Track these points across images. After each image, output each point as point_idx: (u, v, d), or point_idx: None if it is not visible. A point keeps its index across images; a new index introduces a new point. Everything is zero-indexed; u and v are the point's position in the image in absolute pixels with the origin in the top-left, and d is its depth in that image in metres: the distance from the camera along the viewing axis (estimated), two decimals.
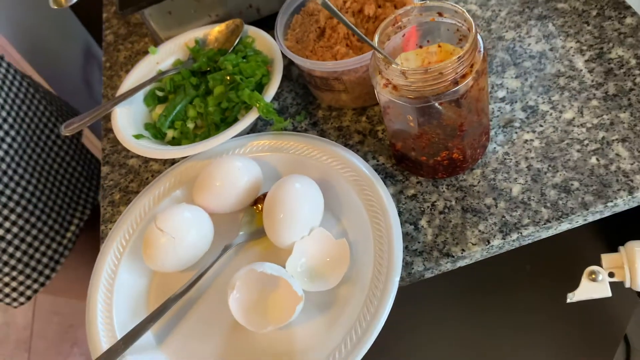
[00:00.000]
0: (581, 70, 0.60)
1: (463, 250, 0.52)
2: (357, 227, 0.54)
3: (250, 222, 0.59)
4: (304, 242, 0.53)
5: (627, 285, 0.50)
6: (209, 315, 0.55)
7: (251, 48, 0.68)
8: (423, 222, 0.55)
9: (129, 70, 0.81)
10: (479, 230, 0.53)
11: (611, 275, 0.51)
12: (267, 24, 0.74)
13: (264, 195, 0.60)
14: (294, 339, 0.51)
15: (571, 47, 0.62)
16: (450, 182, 0.57)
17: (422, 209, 0.56)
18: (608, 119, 0.56)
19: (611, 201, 0.51)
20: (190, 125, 0.66)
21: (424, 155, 0.54)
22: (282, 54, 0.64)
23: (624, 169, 0.53)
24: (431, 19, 0.52)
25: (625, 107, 0.56)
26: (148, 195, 0.62)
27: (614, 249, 0.53)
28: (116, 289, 0.56)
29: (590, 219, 0.52)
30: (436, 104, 0.48)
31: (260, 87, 0.64)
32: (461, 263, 0.53)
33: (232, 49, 0.68)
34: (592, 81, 0.59)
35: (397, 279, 0.49)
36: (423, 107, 0.48)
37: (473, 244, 0.52)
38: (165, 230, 0.55)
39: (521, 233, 0.52)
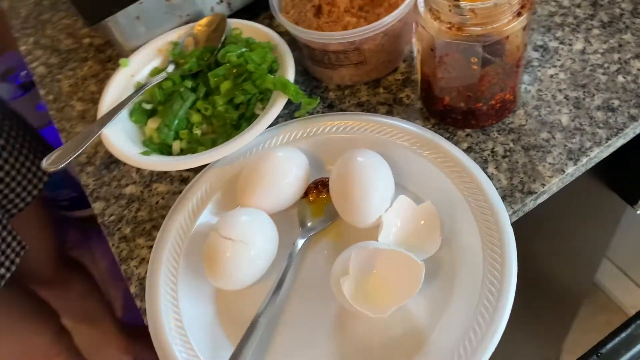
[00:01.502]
0: (569, 7, 0.64)
1: (543, 184, 0.52)
2: (434, 189, 0.52)
3: (308, 215, 0.53)
4: (389, 213, 0.49)
5: None
6: (306, 318, 0.48)
7: (241, 38, 0.62)
8: (491, 170, 0.54)
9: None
10: (549, 163, 0.53)
11: None
12: (240, 17, 0.70)
13: (315, 183, 0.55)
14: (413, 317, 0.47)
15: None
16: (499, 127, 0.56)
17: (484, 157, 0.55)
18: (615, 42, 0.60)
19: None
20: (197, 131, 0.59)
21: (480, 101, 0.53)
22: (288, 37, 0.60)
23: None
24: None
25: (624, 30, 0.61)
26: (180, 214, 0.53)
27: None
28: (187, 326, 0.47)
29: (639, 129, 0.55)
30: (504, 39, 0.48)
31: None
32: (542, 199, 0.53)
33: (220, 44, 0.62)
34: (584, 14, 0.63)
35: (508, 223, 0.47)
36: (490, 44, 0.48)
37: (549, 177, 0.52)
38: (234, 238, 0.47)
39: (589, 156, 0.53)
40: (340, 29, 0.59)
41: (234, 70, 0.58)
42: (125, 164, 0.62)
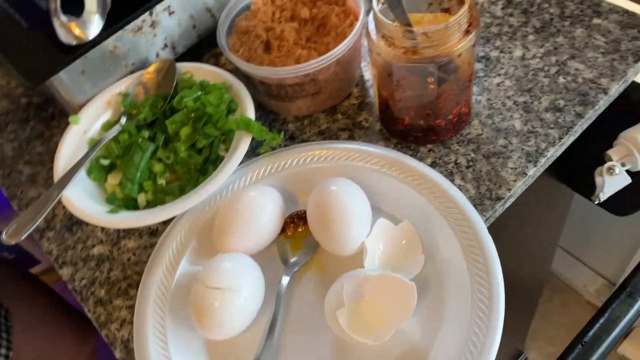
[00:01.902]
0: (503, 16, 0.68)
1: (508, 189, 0.54)
2: (408, 208, 0.53)
3: (289, 251, 0.53)
4: (371, 238, 0.50)
5: (639, 167, 0.57)
6: (303, 353, 0.48)
7: (193, 82, 0.62)
8: (458, 181, 0.56)
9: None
10: (511, 168, 0.55)
11: (623, 165, 0.57)
12: (185, 59, 0.69)
13: (291, 218, 0.55)
14: (409, 338, 0.47)
15: (483, 2, 0.69)
16: (458, 139, 0.58)
17: (449, 170, 0.56)
18: (550, 46, 0.64)
19: (596, 103, 0.58)
20: (162, 181, 0.57)
21: (439, 118, 0.55)
22: (240, 78, 0.60)
23: (589, 78, 0.60)
24: None
25: (556, 33, 0.65)
26: (158, 268, 0.52)
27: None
28: None
29: (586, 125, 0.58)
30: (456, 57, 0.50)
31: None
32: (509, 202, 0.55)
33: (172, 90, 0.61)
34: (518, 22, 0.67)
35: (486, 231, 0.49)
36: (444, 64, 0.49)
37: (513, 181, 0.55)
38: (221, 287, 0.46)
39: (546, 156, 0.56)
40: (293, 62, 0.60)
41: (192, 115, 0.58)
42: (88, 224, 0.60)
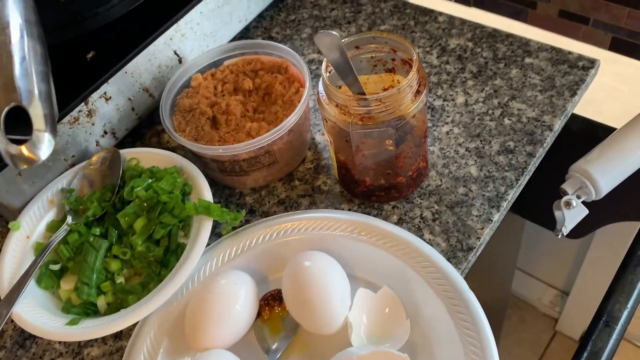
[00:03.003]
0: (440, 65, 0.69)
1: (478, 238, 0.54)
2: (384, 272, 0.52)
3: (268, 336, 0.50)
4: (354, 312, 0.49)
5: (593, 197, 0.59)
6: None
7: (141, 169, 0.59)
8: (427, 236, 0.55)
9: None
10: (476, 216, 0.56)
11: (578, 197, 0.59)
12: (126, 142, 0.66)
13: (264, 300, 0.52)
14: None
15: (419, 52, 0.71)
16: (420, 192, 0.58)
17: (416, 225, 0.56)
18: (490, 89, 0.65)
19: (544, 141, 0.60)
20: (120, 279, 0.54)
21: (400, 175, 0.55)
22: (188, 155, 0.58)
23: (531, 116, 0.62)
24: (351, 55, 0.53)
25: (493, 76, 0.67)
26: None
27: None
28: None
29: (537, 162, 0.60)
30: (410, 118, 0.50)
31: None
32: (480, 250, 0.55)
33: (119, 180, 0.58)
34: (455, 68, 0.68)
35: (465, 285, 0.48)
36: (401, 125, 0.49)
37: (481, 229, 0.55)
38: None
39: (506, 199, 0.57)
40: (244, 135, 0.58)
41: (145, 205, 0.55)
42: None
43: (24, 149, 0.34)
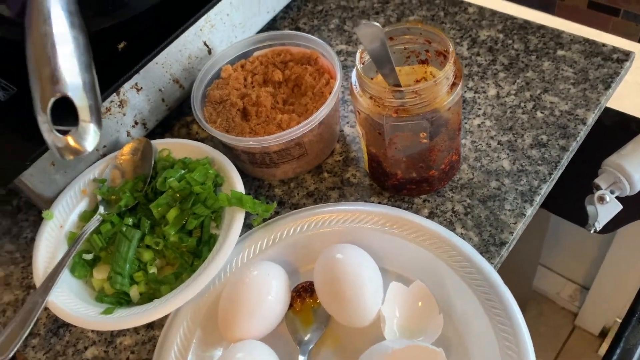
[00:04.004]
0: (470, 57, 0.68)
1: (511, 232, 0.54)
2: (416, 265, 0.51)
3: (300, 328, 0.51)
4: (387, 305, 0.48)
5: (627, 192, 0.58)
6: None
7: (173, 160, 0.59)
8: (460, 230, 0.55)
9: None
10: (509, 210, 0.55)
11: (612, 192, 0.58)
12: (156, 133, 0.67)
13: (296, 291, 0.52)
14: None
15: None
16: (451, 186, 0.58)
17: (448, 219, 0.56)
18: (522, 81, 0.65)
19: (577, 134, 0.59)
20: (153, 269, 0.54)
21: (432, 169, 0.54)
22: (218, 147, 0.58)
23: (564, 109, 0.61)
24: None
25: (525, 68, 0.66)
26: None
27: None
28: None
29: (571, 156, 0.59)
30: (445, 111, 0.49)
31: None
32: (512, 245, 0.55)
33: (151, 170, 0.58)
34: (486, 60, 0.68)
35: (500, 280, 0.48)
36: (435, 117, 0.49)
37: (514, 223, 0.54)
38: None
39: (539, 193, 0.56)
40: (275, 127, 0.58)
41: (178, 196, 0.55)
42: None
43: (70, 140, 0.34)
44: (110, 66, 0.60)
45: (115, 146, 0.62)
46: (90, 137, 0.35)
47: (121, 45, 0.62)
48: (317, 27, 0.76)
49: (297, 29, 0.77)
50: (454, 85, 0.49)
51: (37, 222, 0.64)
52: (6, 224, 0.65)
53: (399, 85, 0.50)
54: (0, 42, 0.66)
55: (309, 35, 0.63)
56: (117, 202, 0.57)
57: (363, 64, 0.52)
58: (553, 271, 1.58)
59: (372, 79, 0.52)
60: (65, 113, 0.35)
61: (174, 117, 0.70)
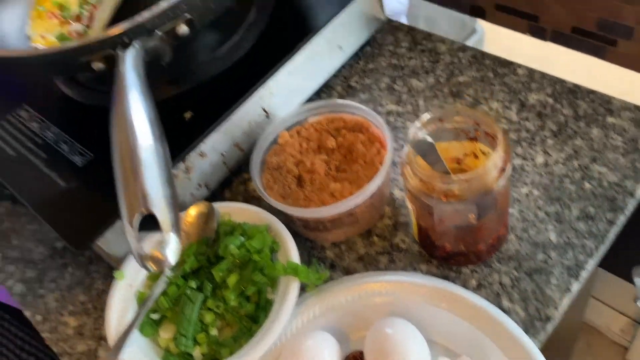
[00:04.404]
0: (519, 121, 0.70)
1: (556, 308, 0.55)
2: (463, 340, 0.54)
3: None
4: None
5: None
6: None
7: (233, 224, 0.63)
8: (506, 303, 0.57)
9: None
10: (555, 285, 0.57)
11: None
12: (216, 191, 0.71)
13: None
14: None
15: (497, 107, 0.72)
16: (498, 257, 0.60)
17: (495, 292, 0.58)
18: (570, 149, 0.66)
19: (625, 208, 0.60)
20: (214, 332, 0.58)
21: (480, 244, 0.57)
22: (274, 208, 0.62)
23: (613, 181, 0.62)
24: (433, 127, 0.55)
25: (573, 135, 0.67)
26: None
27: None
28: None
29: (617, 230, 0.60)
30: (494, 193, 0.51)
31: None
32: (557, 320, 0.56)
33: (215, 234, 0.63)
34: (534, 126, 0.69)
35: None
36: (484, 200, 0.51)
37: (560, 299, 0.56)
38: None
39: (586, 269, 0.57)
40: (328, 196, 0.62)
41: (238, 262, 0.59)
42: None
43: (153, 252, 0.38)
44: (179, 136, 0.65)
45: (181, 207, 0.67)
46: (172, 249, 0.39)
47: (188, 115, 0.66)
48: (368, 86, 0.79)
49: (349, 87, 0.80)
50: (502, 170, 0.51)
51: (107, 274, 0.70)
52: (79, 275, 0.71)
53: (448, 173, 0.52)
54: (79, 107, 0.72)
55: (360, 105, 0.66)
56: (182, 264, 0.61)
57: (413, 150, 0.54)
58: (604, 304, 1.55)
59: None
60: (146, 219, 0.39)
61: (233, 174, 0.74)
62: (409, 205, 0.58)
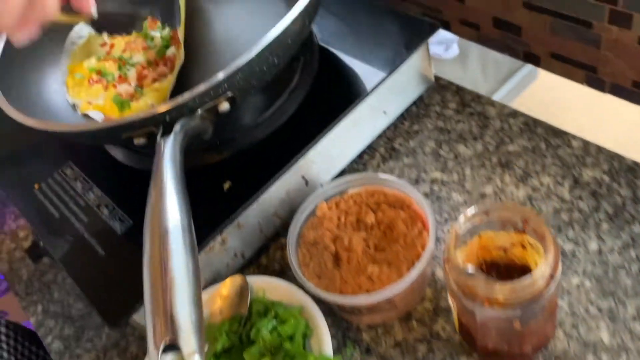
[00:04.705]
0: (571, 200, 0.66)
1: None
2: None
3: None
4: None
5: None
6: None
7: (267, 303, 0.62)
8: None
9: None
10: None
11: None
12: (250, 266, 0.70)
13: None
14: None
15: (549, 182, 0.68)
16: (544, 354, 0.56)
17: None
18: (627, 237, 0.62)
19: None
20: None
21: (525, 345, 0.53)
22: (308, 294, 0.60)
23: None
24: (479, 220, 0.53)
25: (631, 221, 0.63)
26: None
27: None
28: None
29: None
30: (542, 300, 0.48)
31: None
32: None
33: (247, 312, 0.61)
34: (588, 207, 0.65)
35: None
36: (531, 306, 0.48)
37: None
38: None
39: None
40: (365, 279, 0.59)
41: (269, 346, 0.58)
42: None
43: None
44: (217, 207, 0.64)
45: (216, 277, 0.66)
46: None
47: (227, 186, 0.66)
48: (412, 149, 0.77)
49: (393, 149, 0.78)
50: (551, 277, 0.48)
51: (141, 337, 0.70)
52: (115, 337, 0.72)
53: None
54: (121, 169, 0.73)
55: (404, 182, 0.63)
56: (214, 341, 0.60)
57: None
58: None
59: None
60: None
61: (271, 239, 0.73)
62: (450, 300, 0.55)
